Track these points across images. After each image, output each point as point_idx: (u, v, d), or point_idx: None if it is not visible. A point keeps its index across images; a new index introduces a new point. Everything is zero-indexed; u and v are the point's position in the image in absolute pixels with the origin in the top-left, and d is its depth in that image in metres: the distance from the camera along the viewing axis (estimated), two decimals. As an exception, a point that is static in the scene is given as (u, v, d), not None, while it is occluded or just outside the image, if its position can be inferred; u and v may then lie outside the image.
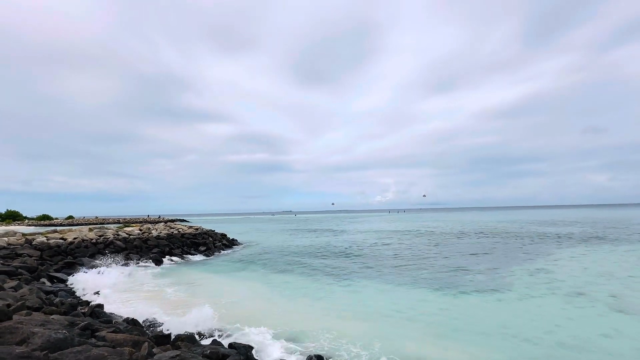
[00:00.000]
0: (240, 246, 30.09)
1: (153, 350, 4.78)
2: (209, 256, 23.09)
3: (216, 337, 7.36)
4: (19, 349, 2.98)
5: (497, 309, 9.98)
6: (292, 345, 7.52)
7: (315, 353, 6.61)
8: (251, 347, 6.81)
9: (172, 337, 6.68)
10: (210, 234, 30.12)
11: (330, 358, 6.48)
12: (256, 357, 6.24)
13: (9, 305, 6.33)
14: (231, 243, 30.45)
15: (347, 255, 22.21)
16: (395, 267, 17.45)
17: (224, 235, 31.68)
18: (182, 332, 7.35)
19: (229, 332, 8.03)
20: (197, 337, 7.17)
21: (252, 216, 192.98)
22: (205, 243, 26.04)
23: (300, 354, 6.97)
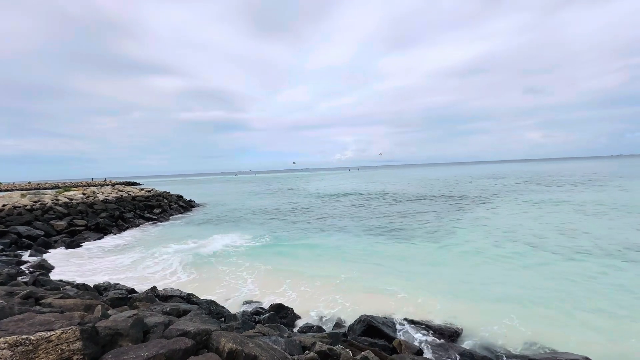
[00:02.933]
0: (199, 207, 29.36)
1: (108, 312, 4.67)
2: (164, 219, 22.29)
3: (177, 295, 7.37)
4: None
5: (438, 251, 11.18)
6: (253, 298, 7.85)
7: (277, 302, 6.97)
8: (213, 302, 6.97)
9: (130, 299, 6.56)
10: (165, 195, 28.80)
11: (289, 305, 6.87)
12: (218, 311, 6.41)
13: None
14: (189, 205, 29.52)
15: (306, 213, 22.83)
16: (351, 220, 18.39)
17: (180, 197, 30.52)
18: (140, 294, 7.24)
19: (189, 291, 8.08)
20: (157, 299, 7.11)
21: (211, 177, 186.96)
22: (160, 205, 24.95)
23: (264, 303, 7.32)
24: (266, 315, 6.20)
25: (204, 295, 7.74)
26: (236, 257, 11.62)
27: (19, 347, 2.00)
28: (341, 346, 4.17)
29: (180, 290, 7.93)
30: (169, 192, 30.95)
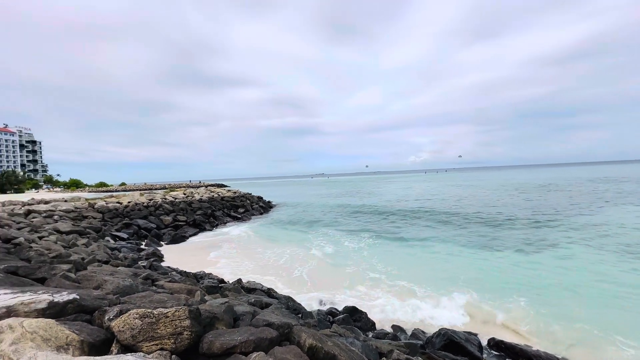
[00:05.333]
0: (277, 208, 31.40)
1: (205, 297, 5.34)
2: (247, 218, 24.47)
3: (259, 288, 8.00)
4: (96, 292, 3.49)
5: (537, 265, 9.70)
6: (327, 298, 8.02)
7: (350, 304, 7.00)
8: (290, 298, 7.38)
9: (220, 288, 7.38)
10: (248, 196, 31.61)
11: (363, 309, 6.82)
12: (295, 307, 6.75)
13: (83, 259, 7.32)
14: (267, 205, 31.84)
15: (382, 215, 22.35)
16: (431, 225, 17.33)
17: (260, 198, 33.12)
18: (229, 285, 8.08)
19: (270, 286, 8.69)
20: (242, 290, 7.84)
21: (287, 179, 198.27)
22: (244, 205, 27.47)
23: (338, 304, 7.43)
24: (340, 316, 6.28)
25: (281, 291, 8.26)
26: (312, 257, 12.06)
27: (146, 319, 2.44)
28: (420, 358, 3.97)
29: (261, 284, 8.59)
30: (250, 194, 33.88)
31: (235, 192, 31.67)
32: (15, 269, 4.13)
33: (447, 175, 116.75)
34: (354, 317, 6.48)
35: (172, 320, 2.44)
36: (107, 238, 14.28)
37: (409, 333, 6.05)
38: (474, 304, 7.21)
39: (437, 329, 5.58)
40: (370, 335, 5.88)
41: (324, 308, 7.35)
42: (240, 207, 27.05)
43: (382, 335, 5.77)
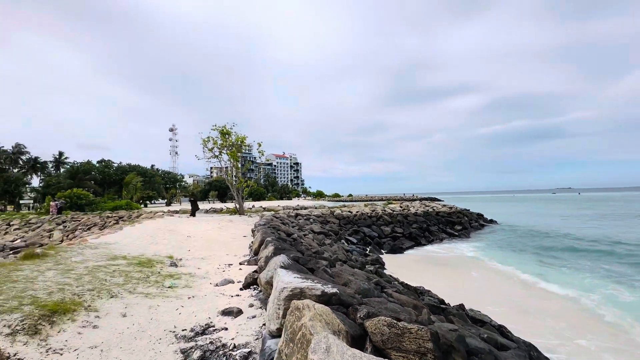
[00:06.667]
0: (501, 227, 26.89)
1: (431, 317, 5.29)
2: (465, 236, 22.47)
3: (488, 322, 7.04)
4: (347, 289, 4.28)
5: None
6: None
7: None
8: (532, 346, 5.95)
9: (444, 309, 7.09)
10: (465, 213, 29.11)
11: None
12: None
13: (330, 256, 9.25)
14: (489, 224, 27.92)
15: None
16: None
17: (480, 215, 29.65)
18: (452, 308, 7.64)
19: (501, 322, 7.45)
20: (467, 318, 7.17)
21: (514, 194, 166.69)
22: (461, 222, 25.50)
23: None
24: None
25: (516, 333, 6.83)
26: (558, 297, 9.34)
27: (392, 329, 2.68)
28: None
29: (489, 317, 7.49)
30: (468, 210, 31.02)
31: (450, 208, 30.06)
32: (297, 258, 5.80)
33: None
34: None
35: (416, 338, 2.55)
36: (342, 241, 17.40)
37: None
38: None
39: None
40: None
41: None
42: (457, 223, 25.30)
43: None
